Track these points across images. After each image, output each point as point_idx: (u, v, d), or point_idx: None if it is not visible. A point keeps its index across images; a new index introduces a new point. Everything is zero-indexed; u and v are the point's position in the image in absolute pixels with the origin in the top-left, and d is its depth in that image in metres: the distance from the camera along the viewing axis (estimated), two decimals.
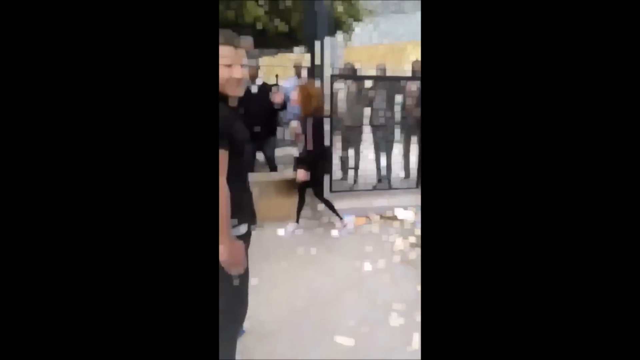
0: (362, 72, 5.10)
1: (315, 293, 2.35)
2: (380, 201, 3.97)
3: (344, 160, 4.49)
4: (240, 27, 6.02)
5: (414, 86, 4.29)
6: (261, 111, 3.82)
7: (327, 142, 3.47)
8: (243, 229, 1.35)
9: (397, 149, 4.58)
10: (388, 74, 4.56)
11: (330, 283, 2.52)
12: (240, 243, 1.29)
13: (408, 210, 3.80)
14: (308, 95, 3.12)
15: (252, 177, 3.60)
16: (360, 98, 4.33)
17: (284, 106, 3.88)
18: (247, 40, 4.62)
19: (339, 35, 6.85)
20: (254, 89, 3.85)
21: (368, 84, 4.47)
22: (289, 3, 5.70)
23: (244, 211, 1.35)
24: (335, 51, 5.05)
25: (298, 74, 4.45)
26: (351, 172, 4.54)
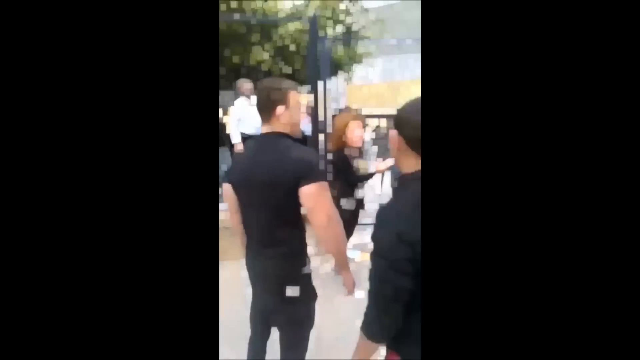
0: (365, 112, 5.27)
1: (320, 334, 2.32)
2: None
3: None
4: (246, 70, 6.31)
5: None
6: None
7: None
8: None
9: None
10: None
11: (332, 322, 2.50)
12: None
13: None
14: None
15: None
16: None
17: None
18: (248, 83, 4.80)
19: (341, 76, 7.13)
20: None
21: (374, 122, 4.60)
22: (292, 47, 6.00)
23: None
24: (338, 91, 5.24)
25: (310, 114, 4.39)
26: None
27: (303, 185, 1.19)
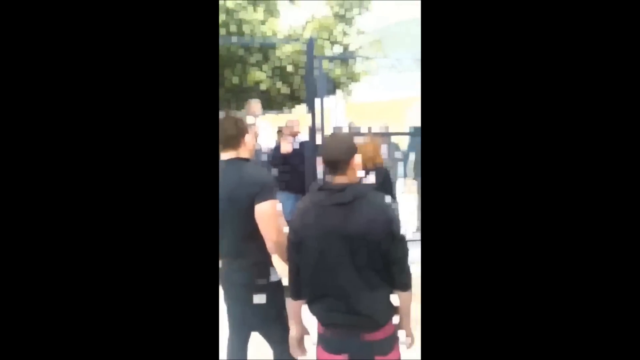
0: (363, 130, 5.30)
1: None
2: None
3: None
4: (245, 90, 6.41)
5: None
6: None
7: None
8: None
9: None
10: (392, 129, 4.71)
11: None
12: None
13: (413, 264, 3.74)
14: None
15: None
16: None
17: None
18: (257, 104, 4.78)
19: (339, 94, 7.22)
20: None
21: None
22: (290, 68, 6.11)
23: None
24: (336, 109, 5.31)
25: (293, 134, 3.76)
26: None
27: (257, 203, 1.38)
